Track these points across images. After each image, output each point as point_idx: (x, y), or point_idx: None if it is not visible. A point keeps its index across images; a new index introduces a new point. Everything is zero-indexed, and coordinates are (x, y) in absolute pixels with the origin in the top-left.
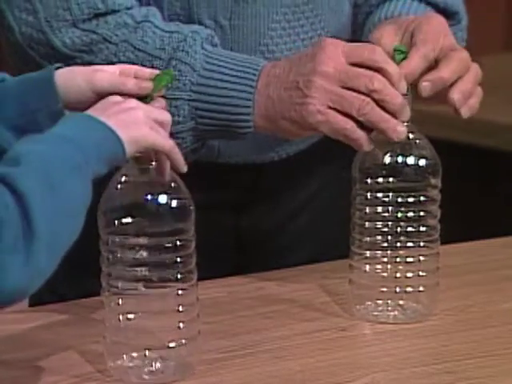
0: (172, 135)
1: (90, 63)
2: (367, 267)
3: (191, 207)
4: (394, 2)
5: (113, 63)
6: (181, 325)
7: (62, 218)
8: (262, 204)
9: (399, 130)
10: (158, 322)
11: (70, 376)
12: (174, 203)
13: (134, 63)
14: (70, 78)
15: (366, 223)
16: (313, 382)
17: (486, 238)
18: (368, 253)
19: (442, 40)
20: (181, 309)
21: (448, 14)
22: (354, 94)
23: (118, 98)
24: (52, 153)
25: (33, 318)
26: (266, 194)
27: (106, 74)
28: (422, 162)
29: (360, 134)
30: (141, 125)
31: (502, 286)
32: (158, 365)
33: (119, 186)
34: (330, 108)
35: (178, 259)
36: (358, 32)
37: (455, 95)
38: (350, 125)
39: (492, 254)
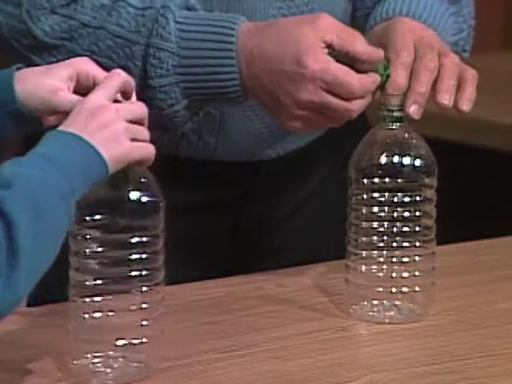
0: (168, 116)
1: (73, 52)
2: (363, 267)
3: (160, 204)
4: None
5: (95, 53)
6: (144, 323)
7: (45, 246)
8: (261, 202)
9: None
10: (122, 320)
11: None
12: (143, 199)
13: (114, 51)
14: (28, 101)
15: (362, 223)
16: (312, 382)
17: (485, 238)
18: (364, 253)
19: (416, 41)
20: (144, 306)
21: None
22: (331, 121)
23: (94, 103)
24: (41, 179)
25: (25, 319)
26: (265, 192)
27: (66, 97)
28: (418, 162)
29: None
30: (122, 141)
31: (500, 285)
32: (120, 364)
33: None
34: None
35: (144, 256)
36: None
37: (442, 100)
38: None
39: (491, 254)
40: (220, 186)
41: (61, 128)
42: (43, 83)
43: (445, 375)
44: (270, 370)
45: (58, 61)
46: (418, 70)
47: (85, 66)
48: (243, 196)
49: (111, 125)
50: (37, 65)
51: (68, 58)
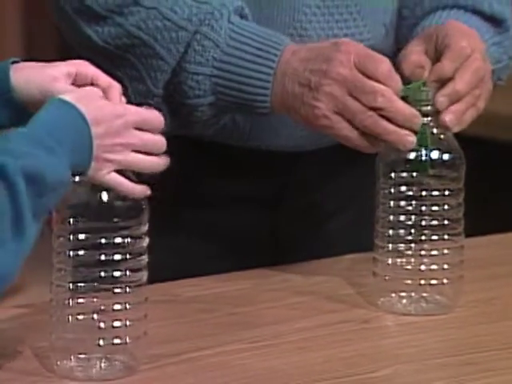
0: (190, 107)
1: (120, 25)
2: (391, 260)
3: (144, 205)
4: (438, 12)
5: (141, 29)
6: (127, 323)
7: (47, 204)
8: (299, 200)
9: (405, 140)
10: (105, 320)
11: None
12: (127, 200)
13: (161, 32)
14: (25, 88)
15: (390, 217)
16: (336, 373)
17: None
18: (392, 246)
19: (472, 41)
20: (127, 307)
21: (495, 22)
22: (358, 106)
23: (116, 111)
24: (48, 163)
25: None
26: (302, 188)
27: (63, 86)
28: (446, 156)
29: (363, 143)
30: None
31: None
32: (104, 364)
33: (73, 185)
34: (337, 113)
35: (128, 257)
36: (403, 43)
37: (447, 117)
38: (353, 133)
39: None
40: (256, 179)
41: (80, 107)
42: (42, 72)
43: (469, 366)
44: (294, 360)
45: (102, 31)
46: (465, 68)
47: (85, 67)
48: (280, 191)
49: (123, 153)
50: (76, 28)
51: (113, 31)
